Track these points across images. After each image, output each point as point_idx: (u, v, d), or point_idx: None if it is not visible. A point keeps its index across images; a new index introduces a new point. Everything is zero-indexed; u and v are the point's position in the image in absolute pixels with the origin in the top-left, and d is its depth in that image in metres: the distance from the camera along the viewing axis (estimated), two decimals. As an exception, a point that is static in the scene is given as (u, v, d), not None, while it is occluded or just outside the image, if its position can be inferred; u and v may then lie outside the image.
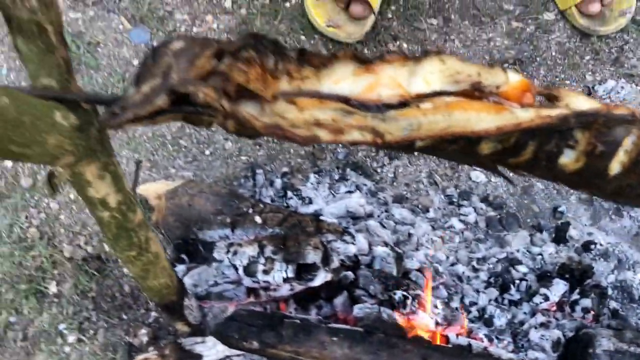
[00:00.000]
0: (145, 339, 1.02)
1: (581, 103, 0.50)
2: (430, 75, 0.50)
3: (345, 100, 0.49)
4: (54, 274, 1.05)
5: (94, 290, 1.04)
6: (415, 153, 0.59)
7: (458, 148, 0.52)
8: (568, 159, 0.51)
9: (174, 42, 0.50)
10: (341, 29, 1.31)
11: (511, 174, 0.61)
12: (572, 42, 1.37)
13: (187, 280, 1.02)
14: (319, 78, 0.50)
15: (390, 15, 1.38)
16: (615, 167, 0.50)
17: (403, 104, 0.49)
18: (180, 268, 1.03)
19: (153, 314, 1.06)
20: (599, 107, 0.49)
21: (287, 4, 1.38)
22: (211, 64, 0.49)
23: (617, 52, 1.36)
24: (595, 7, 1.32)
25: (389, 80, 0.49)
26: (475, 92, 0.51)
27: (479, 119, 0.47)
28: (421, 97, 0.50)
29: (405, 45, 1.35)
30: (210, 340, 0.99)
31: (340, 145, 1.22)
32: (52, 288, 1.04)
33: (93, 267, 1.06)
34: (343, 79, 0.50)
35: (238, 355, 0.99)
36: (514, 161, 0.52)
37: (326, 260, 0.95)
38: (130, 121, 0.50)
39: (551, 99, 0.52)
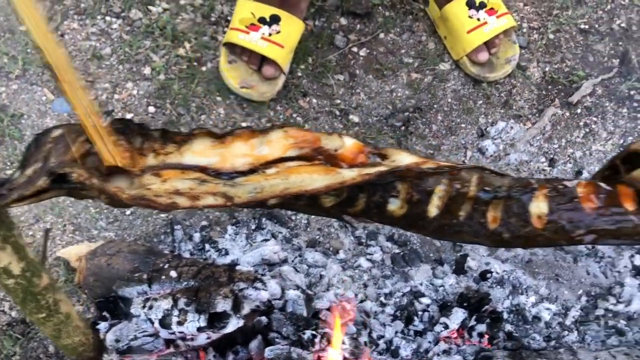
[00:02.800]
0: (70, 398, 1.06)
1: (404, 158, 0.61)
2: (276, 144, 0.60)
3: (203, 170, 0.58)
4: (-22, 341, 1.08)
5: (17, 354, 1.08)
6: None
7: (305, 203, 0.61)
8: (394, 206, 0.60)
9: (54, 131, 0.59)
10: (254, 89, 1.42)
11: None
12: (466, 88, 1.51)
13: (110, 337, 1.07)
14: (180, 152, 0.59)
15: (300, 74, 1.50)
16: (432, 210, 0.60)
17: (252, 170, 0.58)
18: (103, 325, 1.08)
19: (79, 372, 1.10)
20: (413, 162, 0.59)
21: (204, 68, 1.48)
22: (85, 147, 0.57)
23: (506, 96, 1.51)
24: (483, 56, 1.47)
25: (240, 151, 0.58)
26: (317, 156, 0.61)
27: (312, 179, 0.57)
28: (269, 163, 0.59)
29: (314, 101, 1.47)
30: (133, 393, 1.04)
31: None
32: (-23, 355, 1.08)
33: (17, 331, 1.10)
34: (201, 152, 0.59)
35: (161, 405, 1.04)
36: (352, 210, 0.61)
37: (237, 307, 1.03)
38: (17, 200, 0.57)
39: (382, 157, 0.62)
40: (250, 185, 0.56)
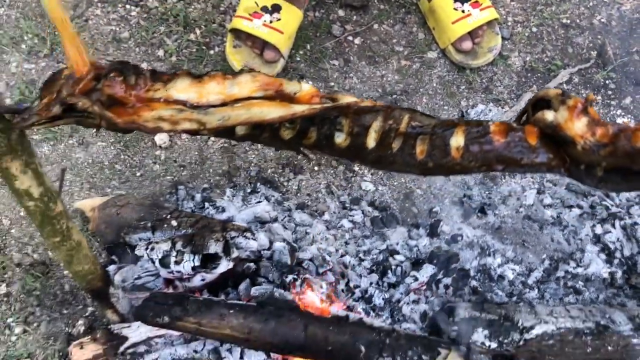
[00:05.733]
0: (82, 329, 1.21)
1: (348, 99, 0.74)
2: (244, 85, 0.74)
3: (184, 103, 0.73)
4: (4, 277, 1.24)
5: (38, 289, 1.24)
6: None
7: (268, 135, 0.75)
8: (340, 139, 0.74)
9: (65, 70, 0.74)
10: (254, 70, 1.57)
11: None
12: (451, 75, 1.64)
13: (117, 278, 1.22)
14: (166, 89, 0.73)
15: (298, 59, 1.64)
16: (370, 142, 0.74)
17: (223, 104, 0.72)
18: (112, 268, 1.24)
19: (90, 308, 1.25)
20: (353, 101, 0.72)
21: (211, 52, 1.64)
22: (90, 84, 0.72)
23: (487, 82, 1.63)
24: (467, 45, 1.60)
25: (214, 89, 0.73)
26: (278, 97, 0.75)
27: (269, 111, 0.70)
28: (237, 100, 0.73)
29: (310, 83, 1.61)
30: (135, 324, 1.19)
31: (252, 163, 1.45)
32: (2, 289, 1.24)
33: (38, 270, 1.26)
34: (182, 90, 0.73)
35: (159, 337, 1.19)
36: (306, 142, 0.75)
37: (227, 251, 1.17)
38: (35, 123, 0.73)
39: (333, 101, 0.76)
40: (219, 114, 0.70)
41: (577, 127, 0.69)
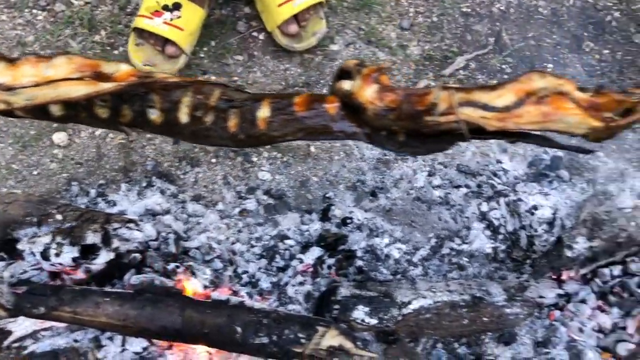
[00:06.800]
0: (-30, 326, 1.22)
1: (160, 76, 0.77)
2: (60, 67, 0.77)
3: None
4: None
5: None
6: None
7: (86, 115, 0.78)
8: (154, 115, 0.77)
9: None
10: (157, 67, 1.60)
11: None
12: (352, 66, 1.67)
13: (5, 274, 1.23)
14: None
15: (202, 55, 1.67)
16: (183, 117, 0.77)
17: (37, 85, 0.75)
18: (1, 264, 1.25)
19: (-20, 306, 1.26)
20: (161, 76, 0.76)
21: (116, 52, 1.67)
22: None
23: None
24: (293, 28, 1.63)
25: (28, 72, 0.75)
26: (96, 78, 0.78)
27: (76, 90, 0.73)
28: (53, 82, 0.76)
29: (213, 77, 1.64)
30: (20, 318, 1.20)
31: (149, 157, 1.48)
32: None
33: None
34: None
35: (45, 329, 1.21)
36: (124, 121, 0.78)
37: (107, 242, 1.19)
38: None
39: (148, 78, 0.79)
40: (26, 94, 0.73)
41: (368, 93, 0.73)
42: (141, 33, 1.62)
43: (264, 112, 0.76)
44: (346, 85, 0.74)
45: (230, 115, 0.77)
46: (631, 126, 0.74)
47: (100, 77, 0.77)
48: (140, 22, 1.60)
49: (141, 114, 0.77)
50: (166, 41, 1.59)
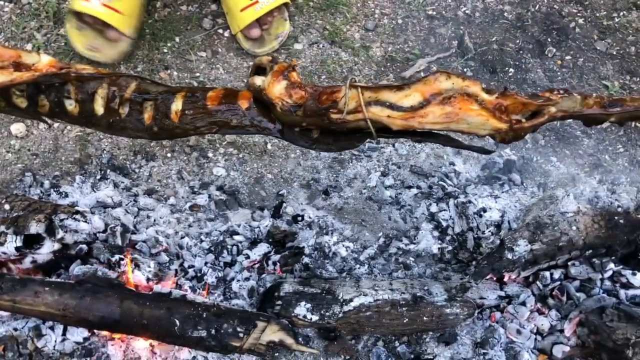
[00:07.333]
0: None
1: (78, 67, 0.79)
2: (-20, 57, 0.78)
3: None
4: None
5: None
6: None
7: (5, 104, 0.79)
8: (71, 106, 0.78)
9: None
10: (100, 52, 1.57)
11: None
12: (314, 65, 1.69)
13: (-46, 263, 1.24)
14: None
15: (165, 50, 1.69)
16: (99, 109, 0.78)
17: (-45, 75, 0.76)
18: (-51, 253, 1.26)
19: None
20: (76, 68, 0.77)
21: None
22: None
23: (347, 71, 1.68)
24: (255, 32, 1.63)
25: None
26: (18, 67, 0.79)
27: (-9, 79, 0.75)
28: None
29: (175, 73, 1.66)
30: (-35, 308, 1.21)
31: (104, 150, 1.49)
32: None
33: None
34: None
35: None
36: (42, 111, 0.79)
37: (52, 232, 1.20)
38: None
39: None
40: (-58, 82, 0.74)
41: (276, 90, 0.74)
42: (80, 17, 1.58)
43: (177, 105, 0.77)
44: (258, 81, 0.75)
45: (146, 107, 0.78)
46: (537, 129, 0.75)
47: (20, 67, 0.78)
48: (76, 4, 1.53)
49: (58, 104, 0.78)
50: (106, 25, 1.56)
